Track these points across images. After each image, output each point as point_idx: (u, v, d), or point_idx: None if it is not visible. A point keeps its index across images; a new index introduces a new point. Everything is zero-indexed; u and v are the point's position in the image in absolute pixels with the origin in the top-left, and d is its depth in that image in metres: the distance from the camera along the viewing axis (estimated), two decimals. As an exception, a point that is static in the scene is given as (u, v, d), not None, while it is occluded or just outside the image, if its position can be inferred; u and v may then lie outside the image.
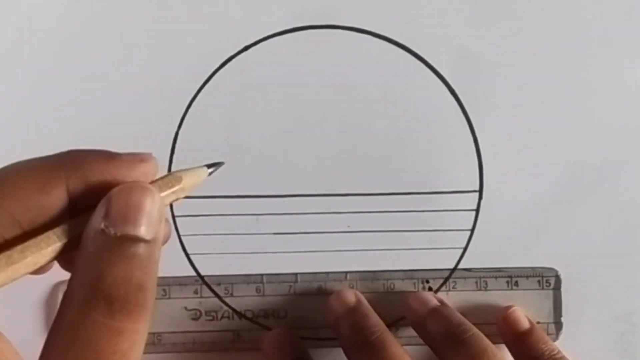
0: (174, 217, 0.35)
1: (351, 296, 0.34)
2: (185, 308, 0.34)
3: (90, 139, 0.34)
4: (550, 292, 0.35)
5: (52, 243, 0.21)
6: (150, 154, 0.23)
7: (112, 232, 0.21)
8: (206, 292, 0.34)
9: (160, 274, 0.23)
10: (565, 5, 0.35)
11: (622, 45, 0.35)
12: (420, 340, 0.33)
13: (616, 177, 0.35)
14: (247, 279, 0.35)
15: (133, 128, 0.34)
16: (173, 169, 0.34)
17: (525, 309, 0.34)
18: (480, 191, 0.35)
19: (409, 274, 0.35)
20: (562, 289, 0.35)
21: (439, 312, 0.33)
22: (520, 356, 0.33)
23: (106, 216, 0.21)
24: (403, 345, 0.31)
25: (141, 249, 0.21)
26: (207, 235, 0.35)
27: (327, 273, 0.35)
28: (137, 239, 0.21)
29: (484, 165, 0.35)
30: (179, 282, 0.34)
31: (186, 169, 0.24)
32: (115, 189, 0.21)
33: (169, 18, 0.34)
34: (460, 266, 0.35)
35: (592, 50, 0.35)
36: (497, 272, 0.35)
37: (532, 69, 0.35)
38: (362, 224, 0.35)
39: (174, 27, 0.34)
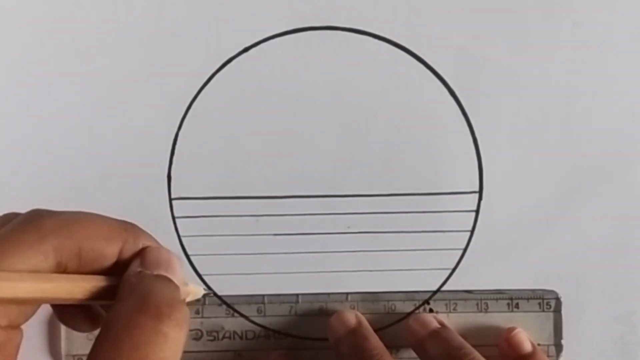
0: (174, 218, 0.35)
1: (352, 317, 0.34)
2: None
3: (91, 139, 0.35)
4: (551, 315, 0.35)
5: (98, 282, 0.25)
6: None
7: (148, 273, 0.25)
8: (208, 312, 0.35)
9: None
10: (565, 5, 0.35)
11: (622, 45, 0.35)
12: None
13: (616, 177, 0.35)
14: (249, 299, 0.35)
15: (134, 128, 0.34)
16: (173, 170, 0.35)
17: (526, 331, 0.34)
18: (480, 192, 0.35)
19: (410, 295, 0.35)
20: (563, 290, 0.35)
21: (440, 335, 0.33)
22: None
23: (142, 264, 0.25)
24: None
25: (173, 284, 0.25)
26: (207, 236, 0.35)
27: (328, 294, 0.35)
28: (169, 279, 0.25)
29: (483, 166, 0.35)
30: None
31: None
32: (150, 247, 0.26)
33: (169, 19, 0.34)
34: (460, 266, 0.35)
35: (592, 51, 0.35)
36: (498, 294, 0.35)
37: (532, 70, 0.35)
38: (362, 224, 0.35)
39: (174, 28, 0.34)
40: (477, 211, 0.35)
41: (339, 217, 0.35)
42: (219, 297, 0.35)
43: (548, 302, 0.35)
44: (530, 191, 0.35)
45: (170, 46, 0.34)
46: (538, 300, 0.35)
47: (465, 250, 0.35)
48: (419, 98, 0.35)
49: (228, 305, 0.35)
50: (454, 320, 0.35)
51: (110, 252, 0.25)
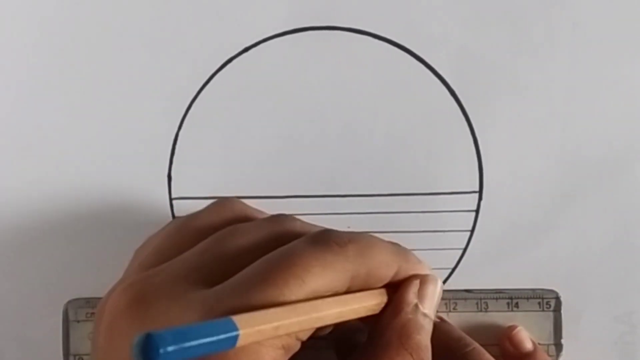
0: (174, 218, 0.35)
1: None
2: None
3: (90, 138, 0.35)
4: (551, 314, 0.35)
5: (381, 297, 0.28)
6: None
7: (422, 309, 0.28)
8: None
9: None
10: (565, 5, 0.35)
11: (622, 45, 0.35)
12: None
13: (617, 177, 0.35)
14: None
15: (133, 129, 0.34)
16: (173, 170, 0.35)
17: (526, 331, 0.34)
18: (480, 192, 0.35)
19: None
20: (563, 290, 0.35)
21: (439, 328, 0.33)
22: None
23: (419, 295, 0.28)
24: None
25: (431, 327, 0.29)
26: (207, 236, 0.35)
27: None
28: (432, 321, 0.29)
29: (483, 166, 0.35)
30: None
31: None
32: (429, 277, 0.29)
33: (169, 19, 0.34)
34: (460, 266, 0.35)
35: (592, 51, 0.35)
36: (498, 294, 0.35)
37: (532, 70, 0.35)
38: (362, 224, 0.35)
39: (174, 28, 0.34)
40: (477, 211, 0.35)
41: (339, 217, 0.35)
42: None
43: (548, 302, 0.35)
44: (530, 191, 0.35)
45: (170, 46, 0.34)
46: (538, 300, 0.35)
47: (465, 250, 0.35)
48: (419, 98, 0.35)
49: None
50: (453, 319, 0.35)
51: (387, 277, 0.28)
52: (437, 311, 0.34)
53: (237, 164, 0.35)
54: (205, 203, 0.34)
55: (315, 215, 0.35)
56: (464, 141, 0.35)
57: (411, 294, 0.28)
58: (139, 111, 0.34)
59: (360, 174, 0.35)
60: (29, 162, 0.34)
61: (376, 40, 0.35)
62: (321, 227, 0.29)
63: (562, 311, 0.35)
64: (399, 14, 0.35)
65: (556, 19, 0.35)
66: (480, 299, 0.35)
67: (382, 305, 0.28)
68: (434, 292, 0.29)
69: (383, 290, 0.28)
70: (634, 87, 0.35)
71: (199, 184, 0.35)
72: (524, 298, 0.35)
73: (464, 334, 0.32)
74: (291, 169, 0.35)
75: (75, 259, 0.34)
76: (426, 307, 0.28)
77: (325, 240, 0.26)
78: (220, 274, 0.25)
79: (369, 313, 0.27)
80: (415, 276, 0.29)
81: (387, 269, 0.27)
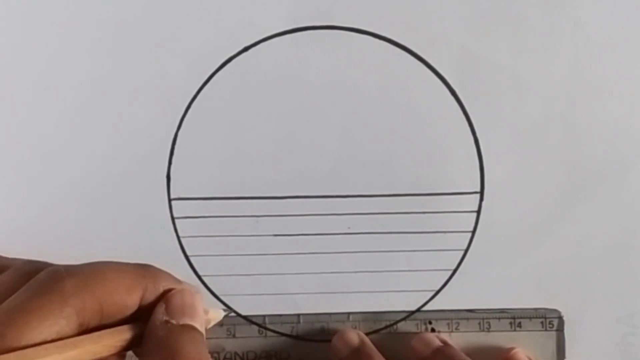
0: (173, 218, 0.34)
1: (354, 337, 0.34)
2: None
3: (90, 139, 0.34)
4: (554, 334, 0.35)
5: (124, 334, 0.25)
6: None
7: (175, 322, 0.25)
8: (208, 332, 0.34)
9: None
10: (565, 5, 0.35)
11: (622, 45, 0.35)
12: None
13: (617, 178, 0.35)
14: (249, 320, 0.35)
15: (133, 128, 0.34)
16: (172, 170, 0.34)
17: (529, 351, 0.34)
18: (482, 192, 0.35)
19: (412, 315, 0.35)
20: (563, 290, 0.35)
21: (443, 353, 0.33)
22: None
23: (168, 311, 0.25)
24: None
25: (198, 334, 0.26)
26: (206, 237, 0.34)
27: (330, 314, 0.35)
28: (194, 328, 0.26)
29: (485, 167, 0.35)
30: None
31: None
32: (173, 292, 0.26)
33: (169, 18, 0.34)
34: (462, 267, 0.35)
35: (592, 51, 0.35)
36: (501, 313, 0.35)
37: (532, 69, 0.35)
38: (363, 225, 0.35)
39: (173, 28, 0.34)
40: (478, 212, 0.35)
41: (339, 217, 0.35)
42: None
43: (551, 321, 0.35)
44: (531, 192, 0.35)
45: (170, 46, 0.34)
46: (541, 320, 0.35)
47: (466, 251, 0.35)
48: (420, 98, 0.35)
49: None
50: (456, 339, 0.34)
51: (132, 302, 0.25)
52: (439, 331, 0.34)
53: (236, 164, 0.34)
54: (205, 203, 0.34)
55: (315, 215, 0.34)
56: (465, 141, 0.35)
57: (158, 314, 0.25)
58: (138, 111, 0.34)
59: (360, 175, 0.35)
60: (28, 163, 0.34)
61: (376, 40, 0.34)
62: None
63: (562, 309, 0.35)
64: (399, 14, 0.34)
65: (557, 19, 0.35)
66: (483, 318, 0.35)
67: (130, 337, 0.25)
68: (187, 302, 0.26)
69: (128, 326, 0.25)
70: (635, 87, 0.35)
71: (198, 185, 0.34)
72: (527, 318, 0.35)
73: (467, 359, 0.32)
74: (291, 169, 0.35)
75: (75, 260, 0.34)
76: (179, 318, 0.25)
77: (38, 283, 0.24)
78: None
79: (119, 350, 0.25)
80: (164, 293, 0.26)
81: (127, 294, 0.25)
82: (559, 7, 0.35)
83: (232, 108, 0.34)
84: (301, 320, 0.35)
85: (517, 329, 0.34)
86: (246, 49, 0.34)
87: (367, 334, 0.34)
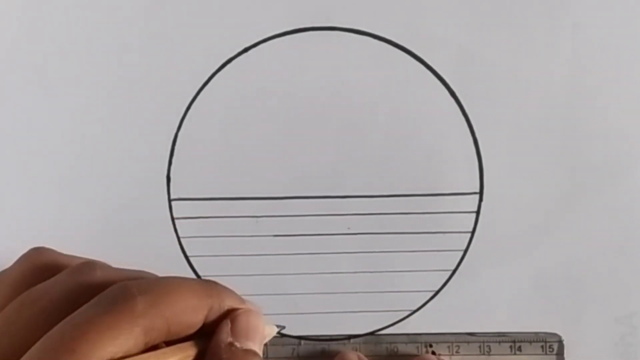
0: (173, 219, 0.34)
1: (354, 359, 0.34)
2: None
3: (90, 139, 0.34)
4: (554, 358, 0.35)
5: (187, 351, 0.25)
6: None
7: (239, 345, 0.25)
8: None
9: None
10: (565, 6, 0.35)
11: (622, 45, 0.35)
12: None
13: (617, 178, 0.35)
14: None
15: (133, 129, 0.34)
16: (172, 170, 0.34)
17: None
18: (481, 193, 0.35)
19: (413, 337, 0.35)
20: (562, 290, 0.35)
21: None
22: None
23: (233, 332, 0.26)
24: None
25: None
26: (206, 237, 0.34)
27: (330, 336, 0.35)
28: (255, 354, 0.26)
29: (484, 167, 0.35)
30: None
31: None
32: (240, 312, 0.26)
33: (169, 19, 0.34)
34: (461, 267, 0.35)
35: (592, 51, 0.35)
36: (501, 337, 0.35)
37: (531, 70, 0.35)
38: (363, 225, 0.35)
39: (173, 29, 0.34)
40: (477, 212, 0.35)
41: (339, 218, 0.35)
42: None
43: (551, 345, 0.35)
44: (530, 192, 0.35)
45: (170, 46, 0.34)
46: (541, 343, 0.35)
47: (465, 251, 0.35)
48: (419, 98, 0.35)
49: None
50: None
51: (197, 321, 0.25)
52: (439, 354, 0.34)
53: (236, 165, 0.34)
54: (204, 203, 0.34)
55: (315, 216, 0.34)
56: (464, 142, 0.35)
57: (223, 334, 0.26)
58: (138, 112, 0.34)
59: (360, 175, 0.35)
60: (28, 163, 0.34)
61: (376, 41, 0.34)
62: (132, 271, 0.27)
63: (562, 310, 0.35)
64: (399, 14, 0.35)
65: (556, 19, 0.35)
66: (483, 342, 0.35)
67: (194, 354, 0.25)
68: (252, 324, 0.26)
69: (192, 342, 0.26)
70: (634, 87, 0.35)
71: (198, 185, 0.34)
72: (527, 341, 0.35)
73: None
74: (291, 169, 0.35)
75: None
76: (244, 342, 0.26)
77: (110, 299, 0.24)
78: (12, 352, 0.23)
79: None
80: (228, 313, 0.26)
81: (194, 314, 0.25)
82: (558, 8, 0.35)
83: (232, 109, 0.34)
84: (302, 343, 0.35)
85: (517, 352, 0.35)
86: (246, 49, 0.34)
87: (367, 357, 0.35)
